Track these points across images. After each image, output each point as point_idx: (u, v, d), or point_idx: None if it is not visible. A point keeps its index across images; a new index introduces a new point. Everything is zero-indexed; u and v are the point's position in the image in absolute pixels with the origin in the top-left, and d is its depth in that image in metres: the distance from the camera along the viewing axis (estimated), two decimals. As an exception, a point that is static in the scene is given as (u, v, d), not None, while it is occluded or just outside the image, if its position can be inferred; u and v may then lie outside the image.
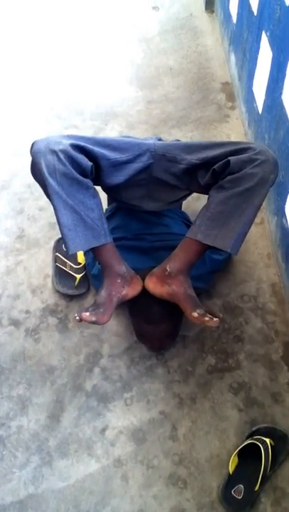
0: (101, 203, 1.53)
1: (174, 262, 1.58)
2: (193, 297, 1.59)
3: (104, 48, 2.96)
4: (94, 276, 1.91)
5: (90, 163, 1.47)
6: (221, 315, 1.50)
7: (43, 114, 2.66)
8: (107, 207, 2.03)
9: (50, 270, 2.10)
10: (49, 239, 2.18)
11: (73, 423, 1.79)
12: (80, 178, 1.44)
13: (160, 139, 1.76)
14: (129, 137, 1.86)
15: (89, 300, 2.01)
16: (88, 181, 1.48)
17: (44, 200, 2.13)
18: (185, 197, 1.88)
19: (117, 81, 2.79)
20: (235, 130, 2.47)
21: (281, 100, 1.76)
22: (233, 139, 2.42)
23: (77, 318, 1.49)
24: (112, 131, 2.54)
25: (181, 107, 2.63)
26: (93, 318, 1.50)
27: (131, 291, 1.63)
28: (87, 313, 1.50)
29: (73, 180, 1.42)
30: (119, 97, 2.70)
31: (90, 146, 1.48)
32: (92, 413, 1.80)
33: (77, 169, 1.43)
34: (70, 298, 2.02)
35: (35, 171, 1.43)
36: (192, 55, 2.87)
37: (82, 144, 1.46)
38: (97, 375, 1.87)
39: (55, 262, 2.07)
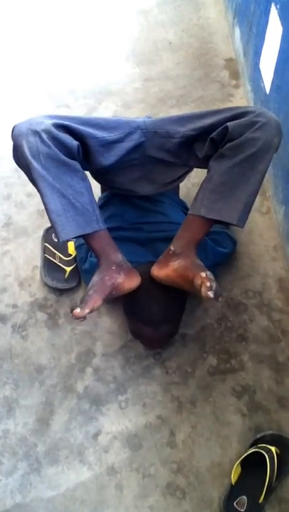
0: (91, 188, 1.51)
1: (177, 242, 1.56)
2: (202, 265, 1.52)
3: (98, 21, 2.92)
4: (85, 271, 1.89)
5: (75, 143, 1.45)
6: (218, 298, 1.41)
7: (32, 93, 2.63)
8: (99, 195, 1.99)
9: (38, 261, 2.08)
10: (38, 227, 2.16)
11: (64, 427, 1.78)
12: (67, 159, 1.42)
13: (150, 117, 1.72)
14: (116, 117, 1.84)
15: (80, 294, 1.99)
16: (75, 163, 1.45)
17: (32, 186, 2.10)
18: (183, 176, 1.85)
19: (112, 56, 2.75)
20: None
21: (293, 80, 1.72)
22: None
23: (75, 313, 1.43)
24: (106, 111, 2.51)
25: (181, 85, 2.60)
26: (86, 310, 1.42)
27: (127, 281, 1.59)
28: (78, 309, 1.42)
29: (59, 162, 1.40)
30: (114, 74, 2.67)
31: (74, 125, 1.45)
32: (84, 417, 1.79)
33: (62, 150, 1.41)
34: (60, 292, 2.00)
35: (18, 156, 1.40)
36: (193, 28, 2.84)
37: (66, 122, 1.44)
38: (90, 376, 1.86)
39: (44, 252, 2.04)
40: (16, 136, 1.38)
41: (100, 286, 1.52)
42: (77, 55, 2.77)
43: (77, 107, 2.53)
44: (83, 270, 1.93)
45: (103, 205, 1.90)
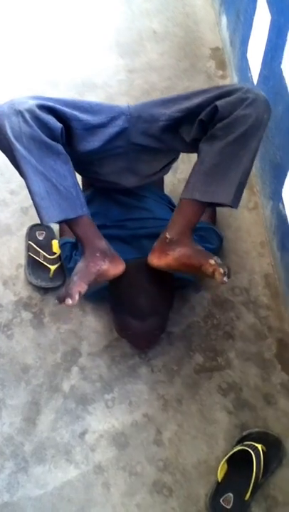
0: (74, 171, 1.56)
1: (172, 229, 1.59)
2: (204, 250, 1.60)
3: (80, 9, 2.96)
4: (70, 269, 1.93)
5: (59, 125, 1.49)
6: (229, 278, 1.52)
7: (11, 87, 2.66)
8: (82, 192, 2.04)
9: (22, 260, 2.14)
10: (21, 225, 2.22)
11: (50, 426, 1.85)
12: (49, 141, 1.46)
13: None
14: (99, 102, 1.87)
15: (66, 293, 2.05)
16: (58, 145, 1.50)
17: (16, 183, 2.19)
18: (168, 166, 1.91)
19: (95, 47, 2.80)
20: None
21: (280, 70, 1.79)
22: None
23: (66, 304, 1.50)
24: (90, 104, 2.55)
25: (166, 77, 2.66)
26: (76, 296, 1.49)
27: (112, 268, 1.64)
28: (69, 301, 1.48)
29: (41, 144, 1.44)
30: (97, 65, 2.72)
31: (58, 107, 1.49)
32: (70, 416, 1.87)
33: (45, 132, 1.45)
34: (45, 290, 2.07)
35: (0, 137, 1.41)
36: (178, 16, 2.89)
37: (50, 103, 1.48)
38: (76, 375, 1.93)
39: (28, 251, 2.11)
40: None
41: (85, 272, 1.57)
42: (57, 45, 2.81)
43: (59, 100, 2.57)
44: (68, 269, 1.99)
45: (87, 203, 1.94)
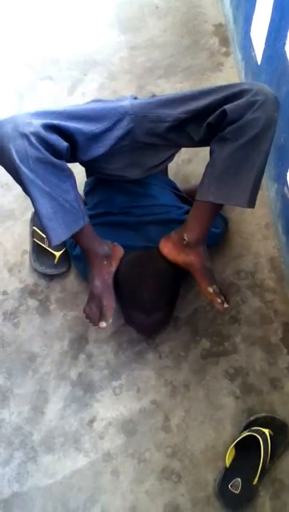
0: (75, 181, 1.54)
1: (191, 232, 1.63)
2: (210, 270, 1.67)
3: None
4: (76, 257, 1.92)
5: (65, 144, 1.46)
6: (228, 303, 1.68)
7: (12, 64, 2.60)
8: (86, 179, 2.01)
9: (27, 245, 2.11)
10: (25, 210, 2.18)
11: (58, 415, 1.84)
12: (55, 161, 1.43)
13: (136, 98, 1.72)
14: (100, 100, 1.83)
15: (71, 279, 2.03)
16: (63, 163, 1.47)
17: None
18: (172, 156, 1.88)
19: (96, 23, 2.72)
20: (229, 80, 2.43)
21: (284, 52, 1.73)
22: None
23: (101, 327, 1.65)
24: (92, 83, 2.51)
25: (169, 54, 2.59)
26: (110, 320, 1.67)
27: (117, 260, 1.72)
28: (103, 324, 1.66)
29: (47, 165, 1.41)
30: (98, 42, 2.65)
31: (63, 123, 1.45)
32: (78, 404, 1.85)
33: (51, 152, 1.41)
34: (50, 277, 2.04)
35: (3, 158, 1.38)
36: (180, -10, 2.80)
37: (54, 122, 1.43)
38: (83, 363, 1.91)
39: (33, 237, 2.07)
40: (1, 137, 1.37)
41: (106, 290, 1.67)
42: (58, 22, 2.74)
43: (61, 80, 2.52)
44: (73, 256, 1.97)
45: (90, 190, 1.93)
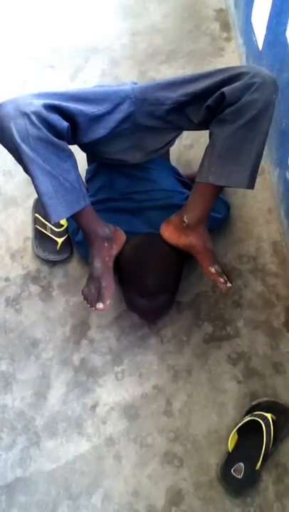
0: (76, 163, 1.53)
1: (190, 213, 1.62)
2: (212, 251, 1.65)
3: None
4: (78, 243, 1.92)
5: (65, 124, 1.45)
6: (232, 282, 1.66)
7: (14, 53, 2.58)
8: (87, 167, 2.00)
9: (30, 232, 2.09)
10: (27, 197, 2.17)
11: (61, 400, 1.83)
12: (56, 140, 1.42)
13: (136, 83, 1.71)
14: (103, 86, 1.82)
15: (74, 265, 2.02)
16: (64, 143, 1.46)
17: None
18: (173, 140, 1.86)
19: (97, 10, 2.69)
20: (231, 65, 2.39)
21: (286, 38, 1.71)
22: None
23: (98, 308, 1.61)
24: (94, 70, 2.48)
25: (170, 39, 2.55)
26: (108, 302, 1.62)
27: (119, 245, 1.71)
28: (100, 305, 1.61)
29: (48, 144, 1.40)
30: (99, 29, 2.62)
31: (64, 104, 1.45)
32: (81, 389, 1.84)
33: (52, 131, 1.41)
34: (53, 263, 2.03)
35: (4, 137, 1.38)
36: (181, -25, 2.76)
37: (56, 102, 1.43)
38: (85, 348, 1.90)
39: (35, 223, 2.06)
40: (2, 117, 1.36)
41: (106, 271, 1.64)
42: (59, 10, 2.71)
43: (63, 68, 2.50)
44: (76, 242, 1.96)
45: (91, 177, 1.92)
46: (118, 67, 2.48)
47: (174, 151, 2.14)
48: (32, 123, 1.35)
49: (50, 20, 2.67)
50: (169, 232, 1.68)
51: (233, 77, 1.43)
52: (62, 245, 2.00)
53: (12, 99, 1.39)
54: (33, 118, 1.35)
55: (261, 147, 1.48)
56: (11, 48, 2.60)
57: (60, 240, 1.98)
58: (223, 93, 1.41)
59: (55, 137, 1.42)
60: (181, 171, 2.02)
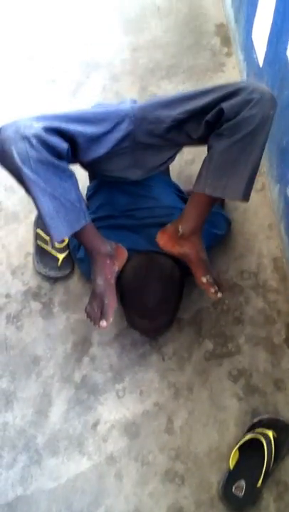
0: (77, 181, 1.53)
1: (186, 223, 1.62)
2: (205, 261, 1.65)
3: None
4: (80, 259, 1.91)
5: (65, 146, 1.46)
6: (223, 292, 1.65)
7: (15, 68, 2.58)
8: (88, 185, 1.99)
9: (31, 248, 2.08)
10: (29, 212, 2.16)
11: (62, 418, 1.82)
12: (56, 161, 1.42)
13: (135, 102, 1.72)
14: (102, 104, 1.84)
15: (75, 281, 2.01)
16: (64, 163, 1.47)
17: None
18: (173, 157, 1.84)
19: (98, 26, 2.68)
20: (231, 81, 2.39)
21: (286, 56, 1.71)
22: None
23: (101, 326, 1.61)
24: (94, 85, 2.47)
25: (170, 54, 2.55)
26: (110, 319, 1.62)
27: (121, 262, 1.70)
28: (104, 323, 1.61)
29: (49, 165, 1.41)
30: (100, 44, 2.61)
31: (64, 126, 1.45)
32: (82, 407, 1.83)
33: (52, 153, 1.41)
34: (54, 279, 2.02)
35: (6, 160, 1.39)
36: (182, -9, 2.76)
37: (55, 124, 1.43)
38: (87, 365, 1.89)
39: (36, 239, 2.05)
40: (3, 140, 1.37)
41: (108, 289, 1.64)
42: (60, 26, 2.70)
43: (64, 83, 2.49)
44: (78, 259, 1.95)
45: (92, 194, 1.91)
46: (119, 82, 2.48)
47: (175, 166, 2.14)
48: (32, 146, 1.36)
49: (52, 35, 2.67)
50: (164, 241, 1.68)
51: (231, 93, 1.43)
52: (63, 261, 1.99)
53: (12, 122, 1.40)
54: (33, 141, 1.36)
55: (257, 161, 1.48)
56: (13, 62, 2.59)
57: (61, 256, 1.98)
58: (221, 109, 1.42)
59: (56, 158, 1.42)
60: (182, 186, 2.02)
